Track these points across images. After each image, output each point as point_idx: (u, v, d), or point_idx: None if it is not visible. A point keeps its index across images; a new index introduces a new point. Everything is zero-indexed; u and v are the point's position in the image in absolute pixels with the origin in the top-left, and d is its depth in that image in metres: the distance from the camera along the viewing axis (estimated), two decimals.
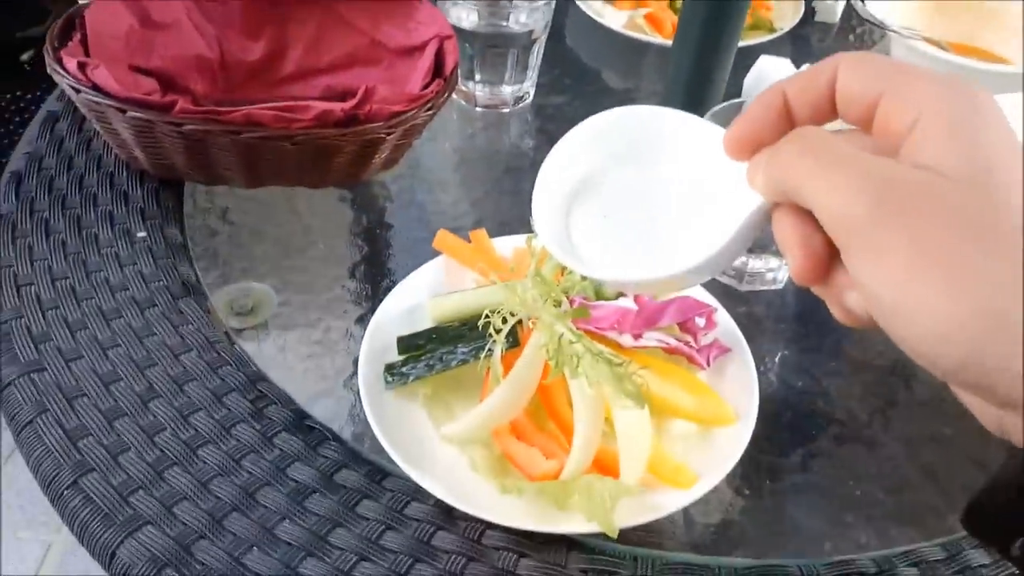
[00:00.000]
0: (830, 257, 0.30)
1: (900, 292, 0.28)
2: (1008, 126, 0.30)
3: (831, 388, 0.59)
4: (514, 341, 0.51)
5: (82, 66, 0.59)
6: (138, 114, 0.57)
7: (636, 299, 0.55)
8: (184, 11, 0.68)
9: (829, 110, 0.32)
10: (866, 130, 0.32)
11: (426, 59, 0.68)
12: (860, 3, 0.83)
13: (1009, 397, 0.26)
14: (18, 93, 1.38)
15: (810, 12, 0.96)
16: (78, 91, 0.58)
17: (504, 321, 0.50)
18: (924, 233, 0.27)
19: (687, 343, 0.55)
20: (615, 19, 0.88)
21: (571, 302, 0.52)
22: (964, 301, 0.26)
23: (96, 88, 0.58)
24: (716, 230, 0.34)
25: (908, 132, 0.30)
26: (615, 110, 0.38)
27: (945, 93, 0.29)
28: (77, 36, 0.64)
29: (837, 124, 0.33)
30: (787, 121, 0.33)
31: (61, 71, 0.59)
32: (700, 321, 0.56)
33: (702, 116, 0.58)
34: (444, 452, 0.50)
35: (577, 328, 0.48)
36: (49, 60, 0.60)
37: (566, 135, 0.39)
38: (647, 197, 0.38)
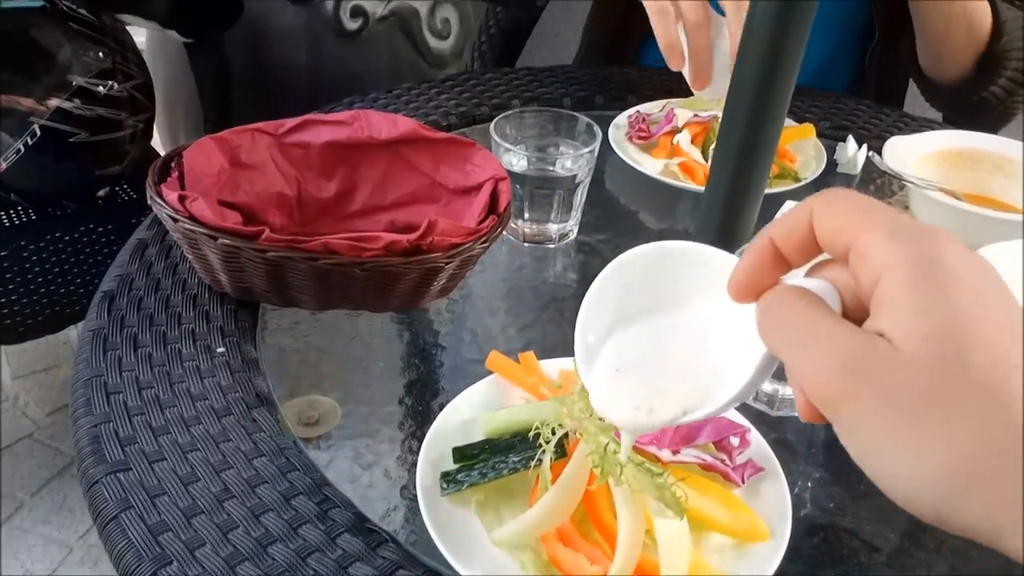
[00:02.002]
0: None
1: (870, 458, 0.31)
2: (976, 277, 0.31)
3: (862, 510, 0.62)
4: (561, 452, 0.55)
5: (181, 199, 0.66)
6: (228, 241, 0.64)
7: None
8: (269, 154, 0.77)
9: (815, 249, 0.35)
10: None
11: (482, 197, 0.76)
12: (877, 156, 0.90)
13: (995, 543, 0.29)
14: (91, 225, 1.48)
15: (832, 164, 1.03)
16: (176, 220, 0.66)
17: (552, 433, 0.55)
18: (881, 408, 0.30)
19: (723, 460, 0.59)
20: (652, 166, 0.96)
21: None
22: (925, 466, 0.29)
23: (192, 218, 0.66)
24: (736, 366, 0.37)
25: (872, 289, 0.32)
26: (652, 246, 0.42)
27: (903, 255, 0.31)
28: (175, 173, 0.72)
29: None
30: (780, 263, 0.36)
31: (162, 202, 0.67)
32: (735, 440, 0.60)
33: None
34: (495, 555, 0.53)
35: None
36: (151, 193, 0.68)
37: (608, 268, 0.43)
38: (676, 332, 0.42)
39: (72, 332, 1.78)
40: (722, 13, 0.95)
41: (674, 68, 0.92)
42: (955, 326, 0.30)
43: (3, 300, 1.42)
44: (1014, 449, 0.28)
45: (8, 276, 1.41)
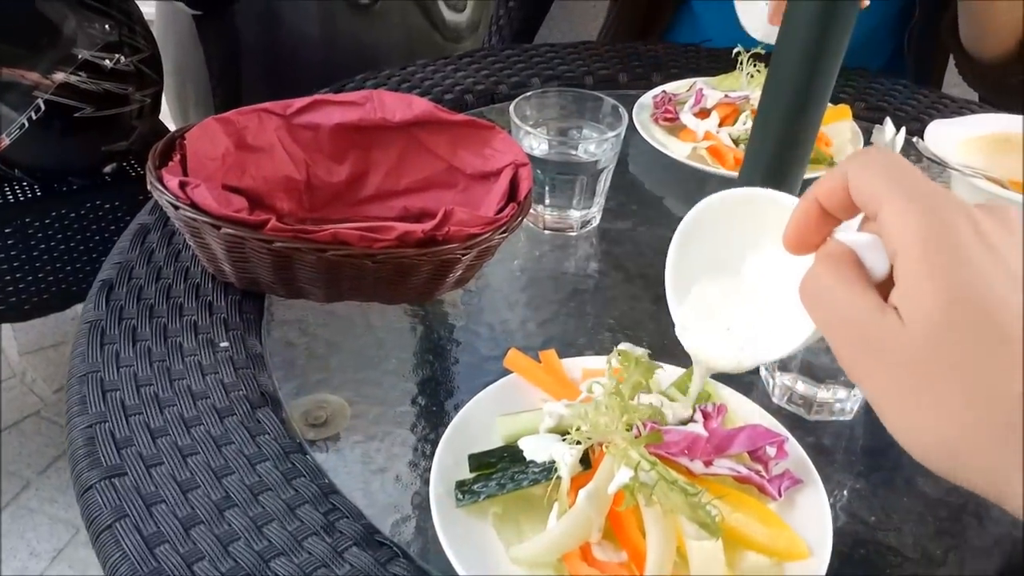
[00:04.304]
0: None
1: (887, 423, 0.35)
2: (992, 246, 0.33)
3: (904, 524, 0.58)
4: (586, 464, 0.51)
5: (182, 185, 0.62)
6: (232, 230, 0.61)
7: (706, 425, 0.56)
8: (277, 136, 0.73)
9: (854, 208, 0.37)
10: None
11: (501, 184, 0.71)
12: (921, 141, 0.85)
13: (1001, 503, 0.33)
14: (98, 202, 1.45)
15: (869, 147, 0.98)
16: (177, 208, 0.62)
17: (577, 443, 0.51)
18: (889, 384, 0.34)
19: (758, 472, 0.55)
20: (679, 150, 0.91)
21: (644, 425, 0.52)
22: (927, 436, 0.33)
23: (193, 205, 0.62)
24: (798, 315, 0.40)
25: (894, 260, 0.34)
26: (737, 192, 0.47)
27: (915, 231, 0.33)
28: (177, 157, 0.68)
29: None
30: (829, 219, 0.38)
31: (162, 189, 0.63)
32: (771, 450, 0.56)
33: None
34: (513, 573, 0.50)
35: (649, 453, 0.49)
36: (151, 179, 0.64)
37: (693, 212, 0.48)
38: (759, 277, 0.47)
39: (80, 308, 1.76)
40: None
41: None
42: (961, 302, 0.32)
43: (8, 278, 1.39)
44: (1013, 413, 0.31)
45: (13, 253, 1.39)
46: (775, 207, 0.44)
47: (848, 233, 0.38)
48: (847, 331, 0.35)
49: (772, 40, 0.93)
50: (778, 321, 0.44)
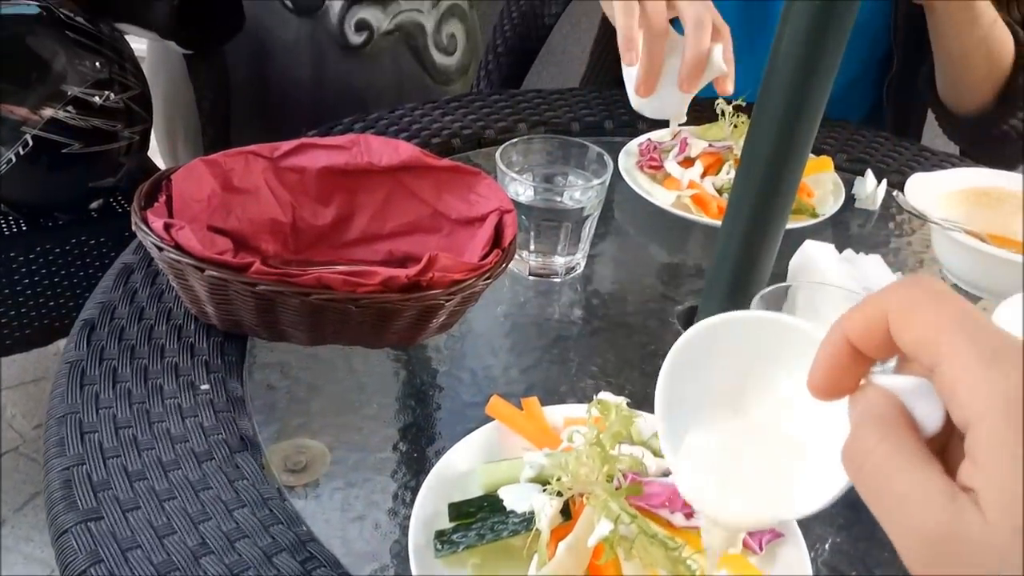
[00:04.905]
0: None
1: None
2: None
3: None
4: (567, 514, 0.51)
5: (167, 226, 0.62)
6: (215, 273, 0.61)
7: None
8: (263, 178, 0.73)
9: (895, 349, 0.31)
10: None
11: (486, 230, 0.72)
12: (901, 195, 0.87)
13: None
14: (83, 238, 1.45)
15: (851, 199, 1.00)
16: (161, 249, 0.62)
17: (558, 494, 0.51)
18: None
19: None
20: (663, 198, 0.92)
21: (624, 477, 0.52)
22: None
23: (178, 247, 0.62)
24: (824, 465, 0.33)
25: (965, 428, 0.28)
26: (734, 315, 0.39)
27: (995, 402, 0.27)
28: (163, 198, 0.68)
29: None
30: (861, 359, 0.32)
31: (147, 230, 0.63)
32: None
33: (749, 298, 0.59)
34: None
35: (630, 505, 0.48)
36: (136, 219, 0.64)
37: (688, 336, 0.39)
38: (770, 418, 0.38)
39: (63, 344, 1.74)
40: (682, 33, 0.91)
41: (626, 63, 0.89)
42: None
43: None
44: None
45: None
46: (786, 331, 0.37)
47: (890, 377, 0.32)
48: (916, 531, 0.28)
49: (647, 113, 0.93)
50: (804, 471, 0.37)
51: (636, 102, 0.92)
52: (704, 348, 0.39)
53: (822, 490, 0.34)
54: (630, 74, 0.91)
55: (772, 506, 0.37)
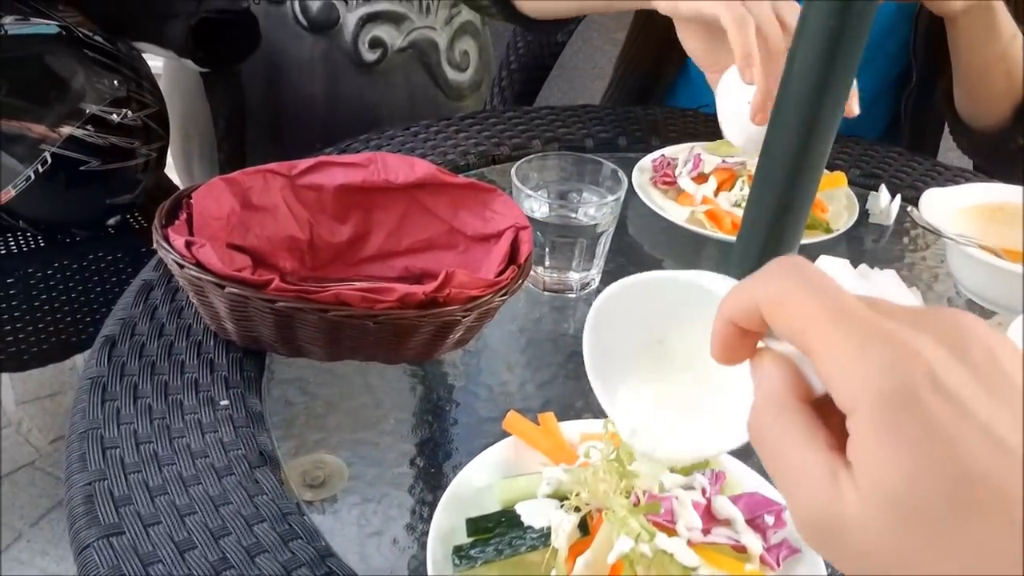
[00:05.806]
0: None
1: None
2: (968, 410, 0.27)
3: None
4: (585, 530, 0.51)
5: (188, 244, 0.63)
6: (236, 290, 0.61)
7: (704, 493, 0.56)
8: (281, 196, 0.74)
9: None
10: None
11: (502, 246, 0.72)
12: (915, 210, 0.87)
13: None
14: (100, 254, 1.46)
15: (864, 214, 1.00)
16: (182, 266, 0.63)
17: (576, 509, 0.51)
18: (847, 566, 0.29)
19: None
20: (677, 213, 0.92)
21: (643, 492, 0.52)
22: None
23: (199, 264, 0.62)
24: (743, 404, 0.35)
25: (840, 408, 0.29)
26: (645, 276, 0.42)
27: (869, 391, 0.27)
28: (183, 215, 0.69)
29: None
30: (748, 335, 0.33)
31: (168, 247, 0.64)
32: (769, 519, 0.56)
33: None
34: None
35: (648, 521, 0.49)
36: (157, 237, 0.65)
37: (601, 299, 0.43)
38: (685, 370, 0.42)
39: (79, 359, 1.76)
40: None
41: (747, 81, 0.85)
42: (927, 477, 0.26)
43: (9, 327, 1.39)
44: None
45: (15, 303, 1.39)
46: (697, 290, 0.40)
47: (784, 344, 0.33)
48: (803, 509, 0.29)
49: (742, 143, 0.91)
50: (727, 410, 0.38)
51: (734, 132, 0.90)
52: (623, 308, 0.42)
53: (744, 426, 0.36)
54: (729, 105, 0.89)
55: (701, 443, 0.41)
